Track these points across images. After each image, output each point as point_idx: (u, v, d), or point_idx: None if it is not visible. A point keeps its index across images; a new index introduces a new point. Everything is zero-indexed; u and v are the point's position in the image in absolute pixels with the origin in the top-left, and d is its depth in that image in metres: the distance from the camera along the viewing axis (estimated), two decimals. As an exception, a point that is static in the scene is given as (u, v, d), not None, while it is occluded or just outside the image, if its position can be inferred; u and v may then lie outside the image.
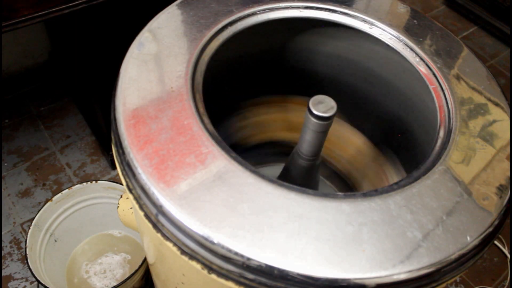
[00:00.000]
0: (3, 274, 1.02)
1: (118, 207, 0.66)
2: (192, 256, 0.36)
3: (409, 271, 0.34)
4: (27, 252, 0.84)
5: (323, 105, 0.47)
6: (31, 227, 0.87)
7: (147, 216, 0.38)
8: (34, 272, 0.81)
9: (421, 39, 0.54)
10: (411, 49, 0.54)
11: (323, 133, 0.51)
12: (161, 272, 0.55)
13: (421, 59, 0.53)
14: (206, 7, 0.53)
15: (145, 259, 0.85)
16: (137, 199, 0.39)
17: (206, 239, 0.34)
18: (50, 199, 0.91)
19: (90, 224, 1.02)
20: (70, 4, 0.76)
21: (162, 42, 0.48)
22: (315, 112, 0.47)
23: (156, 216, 0.37)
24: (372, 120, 0.70)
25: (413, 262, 0.34)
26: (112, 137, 0.43)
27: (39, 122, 1.31)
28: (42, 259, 0.90)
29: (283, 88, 0.73)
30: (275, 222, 0.35)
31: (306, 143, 0.53)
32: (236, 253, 0.34)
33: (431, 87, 0.50)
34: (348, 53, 0.64)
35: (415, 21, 0.57)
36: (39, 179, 1.19)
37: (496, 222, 0.38)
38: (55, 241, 0.96)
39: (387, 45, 0.55)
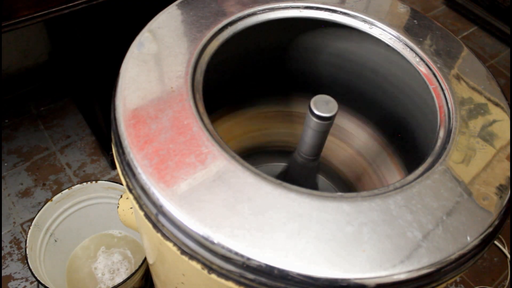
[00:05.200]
0: (3, 274, 1.02)
1: (118, 207, 0.66)
2: (192, 256, 0.36)
3: (409, 271, 0.34)
4: (27, 252, 0.84)
5: (324, 105, 0.47)
6: (31, 227, 0.87)
7: (147, 216, 0.38)
8: (34, 272, 0.81)
9: (421, 39, 0.54)
10: (411, 49, 0.54)
11: (324, 133, 0.51)
12: (161, 272, 0.55)
13: (421, 59, 0.53)
14: (206, 7, 0.53)
15: (145, 259, 0.85)
16: (137, 199, 0.39)
17: (206, 239, 0.34)
18: (50, 199, 0.91)
19: (90, 224, 1.02)
20: (70, 4, 0.76)
21: (162, 42, 0.48)
22: (316, 112, 0.47)
23: (156, 216, 0.37)
24: (372, 119, 0.70)
25: (413, 262, 0.34)
26: (112, 137, 0.43)
27: (39, 122, 1.31)
28: (42, 259, 0.90)
29: (283, 88, 0.73)
30: (275, 222, 0.35)
31: (306, 143, 0.53)
32: (236, 253, 0.34)
33: (431, 87, 0.50)
34: (348, 53, 0.64)
35: (415, 21, 0.57)
36: (39, 179, 1.19)
37: (496, 222, 0.38)
38: (55, 241, 0.96)
39: (387, 45, 0.55)
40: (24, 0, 0.72)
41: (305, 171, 0.58)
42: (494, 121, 0.47)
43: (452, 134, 0.45)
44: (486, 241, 0.37)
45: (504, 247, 1.19)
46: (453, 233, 0.37)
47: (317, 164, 0.58)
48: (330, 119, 0.47)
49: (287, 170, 0.62)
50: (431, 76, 0.51)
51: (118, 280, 1.00)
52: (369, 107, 0.68)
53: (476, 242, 0.37)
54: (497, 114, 0.48)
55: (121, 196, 0.67)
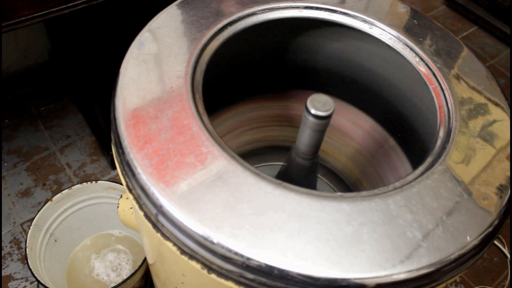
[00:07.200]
0: (3, 274, 1.02)
1: (118, 207, 0.66)
2: (192, 256, 0.36)
3: (409, 271, 0.34)
4: (27, 252, 0.84)
5: (321, 104, 0.47)
6: (31, 227, 0.87)
7: (147, 216, 0.38)
8: (34, 272, 0.81)
9: (421, 39, 0.54)
10: (411, 49, 0.54)
11: (321, 132, 0.51)
12: (161, 272, 0.55)
13: (421, 59, 0.53)
14: (206, 7, 0.53)
15: (145, 259, 0.85)
16: (137, 199, 0.39)
17: (206, 239, 0.34)
18: (50, 199, 0.91)
19: (90, 224, 1.02)
20: (70, 4, 0.76)
21: (162, 42, 0.48)
22: (312, 111, 0.46)
23: (156, 216, 0.37)
24: (372, 119, 0.70)
25: (413, 262, 0.34)
26: (112, 137, 0.43)
27: (39, 122, 1.31)
28: (42, 259, 0.90)
29: (283, 88, 0.73)
30: (275, 222, 0.35)
31: (304, 142, 0.53)
32: (236, 253, 0.34)
33: (431, 87, 0.50)
34: (348, 53, 0.64)
35: (415, 21, 0.57)
36: (39, 179, 1.19)
37: (496, 222, 0.38)
38: (55, 241, 0.96)
39: (387, 45, 0.55)
40: (24, 0, 0.72)
41: (303, 169, 0.58)
42: (494, 121, 0.47)
43: (452, 134, 0.45)
44: (486, 241, 0.37)
45: (504, 247, 1.19)
46: (453, 233, 0.37)
47: (315, 163, 0.58)
48: (327, 118, 0.47)
49: (285, 169, 0.62)
50: (431, 76, 0.51)
51: (117, 280, 1.00)
52: (368, 107, 0.68)
53: (476, 242, 0.37)
54: (497, 114, 0.48)
55: (121, 196, 0.67)
